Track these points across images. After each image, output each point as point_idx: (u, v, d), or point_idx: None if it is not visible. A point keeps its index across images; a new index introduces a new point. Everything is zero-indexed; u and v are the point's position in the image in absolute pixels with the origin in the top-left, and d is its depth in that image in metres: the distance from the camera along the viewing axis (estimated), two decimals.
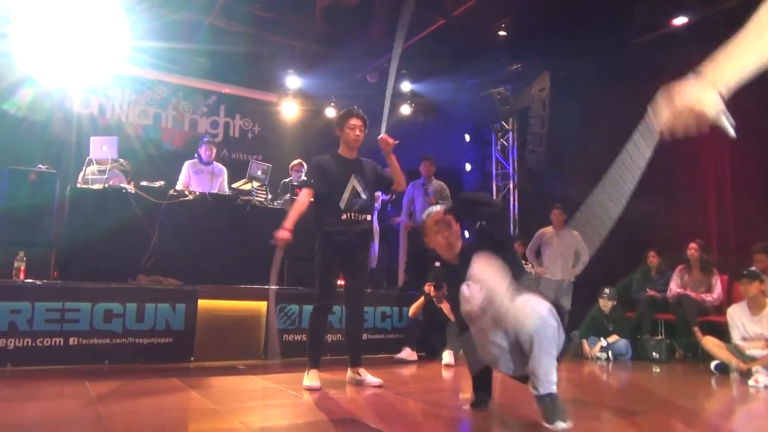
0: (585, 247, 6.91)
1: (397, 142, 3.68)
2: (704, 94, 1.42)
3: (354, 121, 3.74)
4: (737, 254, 6.04)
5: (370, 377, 3.72)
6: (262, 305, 4.93)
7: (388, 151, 3.70)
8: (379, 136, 3.68)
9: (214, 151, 6.41)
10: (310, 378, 3.55)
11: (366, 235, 3.81)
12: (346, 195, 3.66)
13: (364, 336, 5.39)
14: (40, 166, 5.35)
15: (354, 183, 3.70)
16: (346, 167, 3.73)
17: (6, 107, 6.52)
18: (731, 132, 1.44)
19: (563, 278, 6.82)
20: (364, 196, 3.71)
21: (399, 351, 5.23)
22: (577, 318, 6.62)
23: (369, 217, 3.76)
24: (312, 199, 3.71)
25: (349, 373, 3.81)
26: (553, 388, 2.37)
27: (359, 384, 3.69)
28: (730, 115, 1.45)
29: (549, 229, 7.06)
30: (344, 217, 3.64)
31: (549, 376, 2.36)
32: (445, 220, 2.83)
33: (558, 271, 6.77)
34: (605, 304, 5.93)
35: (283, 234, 3.41)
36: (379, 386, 3.65)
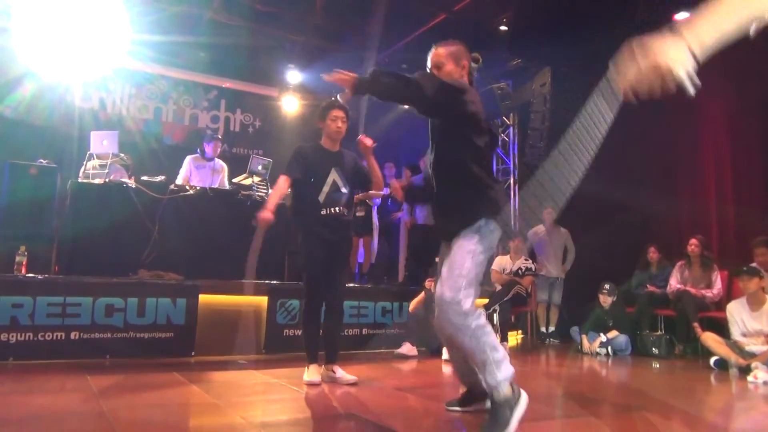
0: (572, 243, 7.10)
1: (374, 144, 3.59)
2: (676, 51, 1.30)
3: (336, 113, 3.64)
4: (737, 250, 6.05)
5: (345, 375, 3.63)
6: (262, 300, 4.94)
7: (368, 153, 3.61)
8: (358, 137, 3.59)
9: (219, 148, 6.41)
10: (310, 373, 3.54)
11: (347, 231, 3.71)
12: (326, 189, 3.56)
13: (364, 331, 5.43)
14: (41, 160, 5.36)
15: (335, 176, 3.60)
16: (327, 159, 3.63)
17: (7, 103, 6.50)
18: (691, 91, 1.32)
19: (557, 275, 7.01)
20: (344, 191, 3.62)
21: (399, 346, 5.24)
22: (577, 313, 6.64)
23: (348, 212, 3.66)
24: (290, 191, 3.64)
25: (322, 369, 3.69)
26: None
27: (333, 381, 3.60)
28: (697, 78, 1.32)
29: (540, 228, 7.29)
30: (324, 212, 3.54)
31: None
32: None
33: (551, 269, 6.90)
34: (605, 299, 5.94)
35: (266, 215, 3.35)
36: (353, 384, 3.55)
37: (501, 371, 2.29)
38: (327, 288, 3.63)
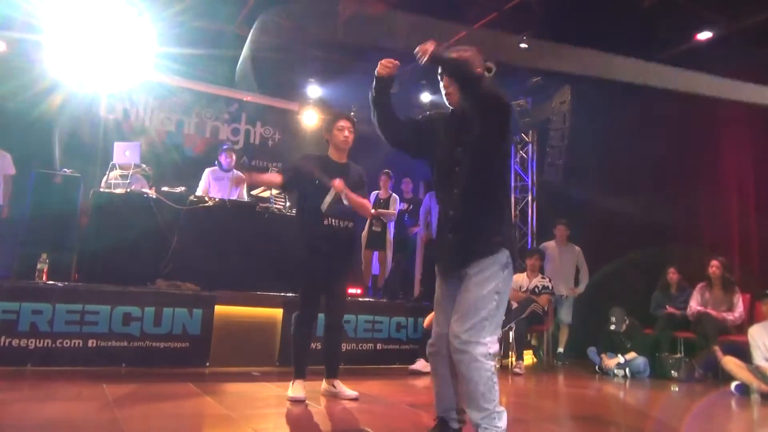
0: (584, 263, 6.90)
1: (343, 187, 3.52)
2: None
3: (342, 123, 3.65)
4: (760, 272, 5.93)
5: (345, 390, 3.60)
6: (278, 312, 4.95)
7: (343, 193, 3.55)
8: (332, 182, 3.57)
9: (234, 158, 6.49)
10: (295, 389, 3.44)
11: (349, 243, 3.69)
12: (328, 198, 3.55)
13: (379, 346, 5.42)
14: (65, 169, 5.46)
15: None
16: (332, 170, 3.60)
17: (36, 113, 6.65)
18: None
19: (565, 294, 6.82)
20: (346, 202, 3.59)
21: (413, 362, 5.21)
22: (593, 333, 6.54)
23: (352, 225, 3.65)
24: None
25: (323, 384, 3.68)
26: None
27: (334, 396, 3.58)
28: None
29: (551, 244, 7.13)
30: (326, 222, 3.54)
31: None
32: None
33: (560, 287, 6.72)
34: (615, 328, 5.83)
35: (242, 178, 3.59)
36: (354, 399, 3.53)
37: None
38: (326, 302, 3.62)
